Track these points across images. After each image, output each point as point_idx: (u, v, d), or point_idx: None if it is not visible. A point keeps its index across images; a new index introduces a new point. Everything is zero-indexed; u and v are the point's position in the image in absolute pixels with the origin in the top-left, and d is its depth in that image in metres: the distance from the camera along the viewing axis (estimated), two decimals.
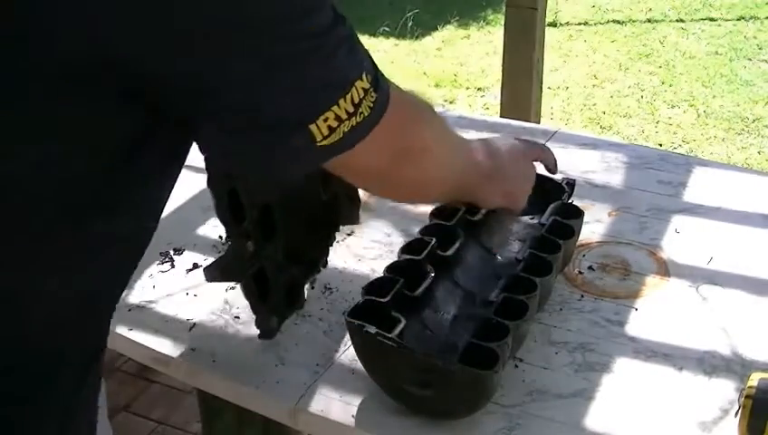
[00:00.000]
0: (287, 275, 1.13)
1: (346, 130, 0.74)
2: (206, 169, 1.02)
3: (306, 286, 1.20)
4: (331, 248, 1.26)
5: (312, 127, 0.72)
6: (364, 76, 0.75)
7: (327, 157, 0.77)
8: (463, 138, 1.07)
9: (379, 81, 0.78)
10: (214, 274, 1.10)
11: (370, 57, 0.79)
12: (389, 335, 0.99)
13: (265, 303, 1.10)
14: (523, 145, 1.18)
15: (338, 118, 0.73)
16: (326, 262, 1.26)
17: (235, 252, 1.08)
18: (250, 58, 0.68)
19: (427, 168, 0.94)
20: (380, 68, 0.80)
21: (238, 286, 1.13)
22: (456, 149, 1.04)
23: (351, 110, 0.74)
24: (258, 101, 0.70)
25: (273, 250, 1.10)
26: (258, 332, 1.12)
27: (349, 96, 0.74)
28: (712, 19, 4.83)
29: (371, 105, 0.76)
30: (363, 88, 0.75)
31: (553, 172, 1.24)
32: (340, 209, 1.24)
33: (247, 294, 1.10)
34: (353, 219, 1.26)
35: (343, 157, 0.77)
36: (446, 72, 4.36)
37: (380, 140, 0.79)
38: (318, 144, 0.73)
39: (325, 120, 0.73)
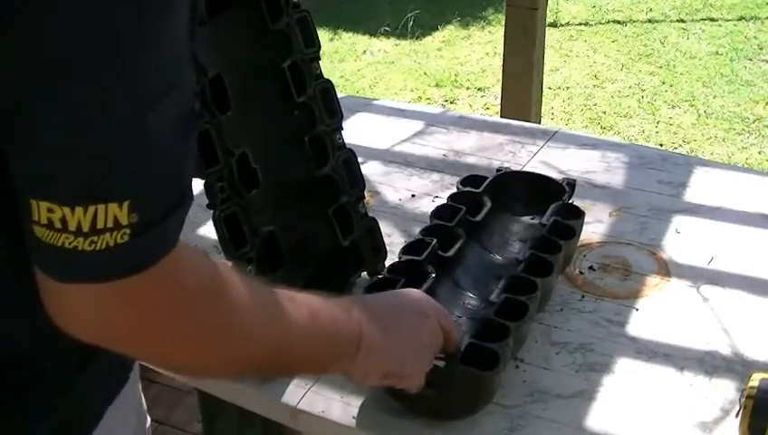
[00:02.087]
0: None
1: (67, 245, 0.59)
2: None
3: None
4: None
5: (33, 202, 0.59)
6: (126, 206, 0.59)
7: (37, 256, 0.62)
8: (306, 307, 0.80)
9: (147, 236, 0.61)
10: None
11: (175, 206, 0.63)
12: None
13: None
14: (421, 308, 0.94)
15: (63, 221, 0.58)
16: None
17: None
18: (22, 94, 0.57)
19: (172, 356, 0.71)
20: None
21: None
22: (265, 329, 0.76)
23: (86, 229, 0.58)
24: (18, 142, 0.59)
25: (277, 278, 1.09)
26: None
27: (91, 210, 0.58)
28: (712, 19, 4.82)
29: (113, 246, 0.59)
30: (115, 216, 0.59)
31: (452, 355, 0.99)
32: (361, 257, 1.23)
33: None
34: (377, 269, 1.22)
35: (57, 287, 0.62)
36: (446, 72, 4.36)
37: (105, 297, 0.62)
38: (35, 227, 0.59)
39: (49, 209, 0.58)
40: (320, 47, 1.19)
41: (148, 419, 0.94)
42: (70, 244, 0.59)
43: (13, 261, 0.66)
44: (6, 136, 0.60)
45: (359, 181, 1.22)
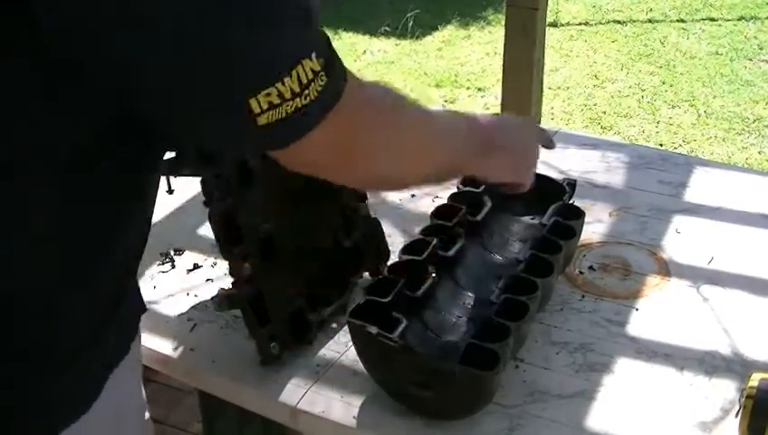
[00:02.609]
0: (292, 306, 1.12)
1: (289, 110, 0.69)
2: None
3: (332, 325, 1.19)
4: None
5: (252, 101, 0.67)
6: (314, 57, 0.69)
7: (267, 141, 0.72)
8: (453, 116, 1.01)
9: (334, 67, 0.73)
10: (222, 302, 1.10)
11: (329, 41, 0.73)
12: (391, 336, 0.99)
13: (263, 328, 1.08)
14: (529, 124, 1.17)
15: (281, 95, 0.68)
16: (345, 308, 1.19)
17: (231, 272, 1.08)
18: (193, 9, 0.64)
19: (386, 166, 0.85)
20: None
21: None
22: (439, 135, 0.94)
23: (297, 89, 0.69)
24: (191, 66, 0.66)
25: (276, 276, 1.10)
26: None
27: (295, 73, 0.68)
28: (713, 19, 4.82)
29: (319, 89, 0.70)
30: (312, 69, 0.69)
31: (550, 148, 1.19)
32: (363, 258, 1.23)
33: (244, 318, 1.09)
34: (379, 270, 1.22)
35: (288, 149, 0.73)
36: (446, 72, 4.36)
37: (329, 133, 0.73)
38: (257, 121, 0.68)
39: (267, 94, 0.68)
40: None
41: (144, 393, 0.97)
42: (291, 108, 0.69)
43: (36, 230, 0.71)
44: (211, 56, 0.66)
45: None
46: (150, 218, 0.86)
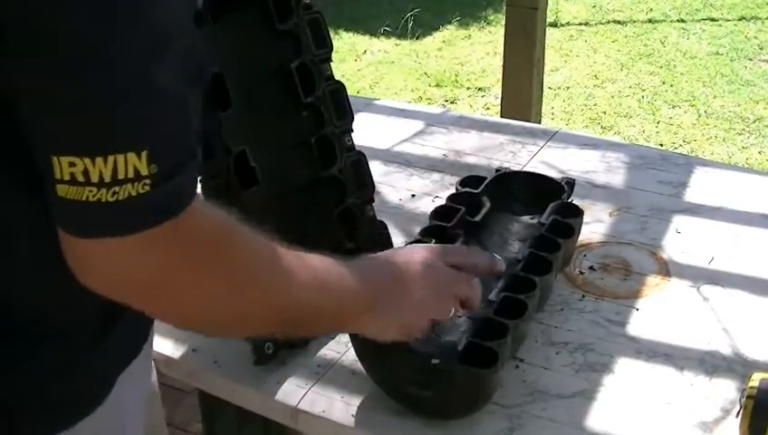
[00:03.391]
0: None
1: (92, 199, 0.60)
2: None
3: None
4: None
5: (55, 160, 0.60)
6: (144, 156, 0.60)
7: (61, 215, 0.63)
8: (315, 264, 0.82)
9: (169, 186, 0.62)
10: None
11: (189, 158, 0.64)
12: None
13: None
14: (434, 255, 0.94)
15: (85, 173, 0.60)
16: None
17: None
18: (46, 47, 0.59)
19: (203, 314, 0.73)
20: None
21: None
22: (285, 289, 0.78)
23: (108, 179, 0.60)
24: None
25: None
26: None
27: (112, 160, 0.59)
28: (713, 19, 4.82)
29: (134, 195, 0.61)
30: (136, 169, 0.60)
31: (494, 273, 1.03)
32: None
33: None
34: None
35: (83, 244, 0.63)
36: (446, 72, 4.36)
37: (137, 254, 0.64)
38: (57, 190, 0.61)
39: (71, 164, 0.59)
40: (332, 48, 1.19)
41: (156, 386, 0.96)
42: (93, 196, 0.60)
43: (33, 230, 0.68)
44: (24, 97, 0.61)
45: (367, 184, 1.22)
46: None
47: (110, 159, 0.59)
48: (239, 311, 0.75)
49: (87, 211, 0.61)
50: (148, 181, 0.61)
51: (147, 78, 0.61)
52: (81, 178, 0.60)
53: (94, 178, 0.60)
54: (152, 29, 0.61)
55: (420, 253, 0.94)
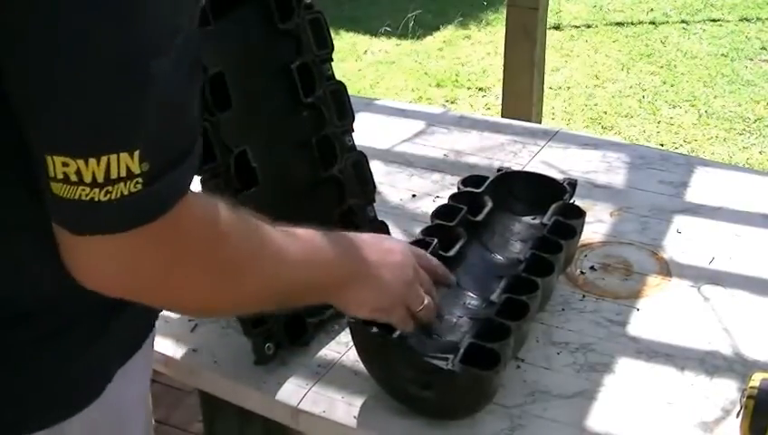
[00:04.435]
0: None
1: (85, 198, 0.61)
2: None
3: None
4: None
5: (48, 158, 0.60)
6: (136, 155, 0.61)
7: (56, 212, 0.64)
8: (302, 241, 0.84)
9: (161, 184, 0.63)
10: None
11: (183, 155, 0.65)
12: (391, 336, 0.99)
13: (257, 328, 1.08)
14: (410, 253, 1.00)
15: (78, 174, 0.60)
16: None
17: None
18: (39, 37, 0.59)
19: (197, 302, 0.76)
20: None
21: None
22: (272, 268, 0.81)
23: (101, 180, 0.60)
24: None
25: None
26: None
27: (105, 160, 0.60)
28: (714, 20, 4.82)
29: (126, 194, 0.61)
30: (127, 166, 0.61)
31: (446, 284, 1.08)
32: None
33: (239, 317, 1.09)
34: None
35: (77, 241, 0.64)
36: (447, 72, 4.36)
37: (129, 251, 0.65)
38: (51, 187, 0.61)
39: (64, 163, 0.60)
40: (333, 48, 1.19)
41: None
42: (87, 196, 0.61)
43: (36, 222, 0.68)
44: (21, 97, 0.61)
45: (368, 184, 1.22)
46: None
47: (103, 159, 0.60)
48: (235, 298, 0.78)
49: (80, 209, 0.62)
50: (140, 180, 0.62)
51: (141, 78, 0.61)
52: (74, 178, 0.60)
53: (87, 179, 0.60)
54: (149, 28, 0.61)
55: (399, 247, 1.00)
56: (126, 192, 0.62)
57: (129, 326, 0.84)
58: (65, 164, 0.60)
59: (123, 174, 0.61)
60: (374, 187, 1.23)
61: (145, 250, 0.66)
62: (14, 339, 0.75)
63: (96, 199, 0.61)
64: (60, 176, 0.61)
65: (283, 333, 1.11)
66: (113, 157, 0.60)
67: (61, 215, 0.64)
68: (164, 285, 0.70)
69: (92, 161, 0.60)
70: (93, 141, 0.60)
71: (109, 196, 0.61)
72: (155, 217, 0.64)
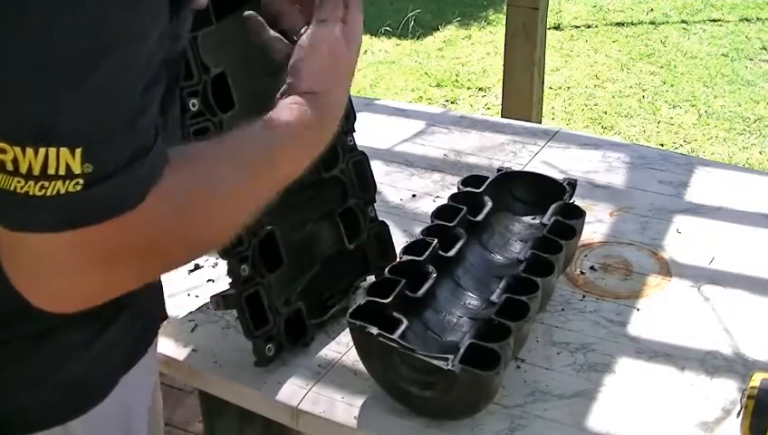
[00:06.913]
0: (290, 309, 1.12)
1: (19, 190, 0.58)
2: None
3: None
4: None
5: None
6: (77, 153, 0.58)
7: None
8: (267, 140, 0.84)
9: (103, 188, 0.60)
10: (219, 302, 1.10)
11: (135, 160, 0.61)
12: (391, 336, 0.99)
13: (258, 330, 1.08)
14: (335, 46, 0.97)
15: (15, 162, 0.57)
16: (347, 310, 1.15)
17: (229, 273, 1.07)
18: None
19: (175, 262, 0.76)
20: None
21: None
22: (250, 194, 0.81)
23: (37, 172, 0.57)
24: None
25: (274, 278, 1.09)
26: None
27: (43, 152, 0.57)
28: (714, 20, 4.82)
29: (62, 193, 0.58)
30: (67, 163, 0.58)
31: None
32: (368, 261, 1.23)
33: (239, 318, 1.09)
34: (383, 273, 1.22)
35: (11, 237, 0.61)
36: (447, 72, 4.36)
37: (72, 251, 0.61)
38: None
39: (2, 150, 0.57)
40: None
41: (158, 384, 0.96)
42: (21, 188, 0.58)
43: None
44: None
45: (369, 184, 1.22)
46: None
47: (41, 151, 0.57)
48: (188, 259, 0.79)
49: (13, 202, 0.59)
50: (80, 181, 0.59)
51: (89, 76, 0.59)
52: (9, 167, 0.58)
53: (23, 169, 0.58)
54: (103, 29, 0.59)
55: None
56: (63, 190, 0.58)
57: (129, 329, 0.84)
58: (2, 151, 0.57)
59: (62, 171, 0.58)
60: (375, 188, 1.23)
61: (79, 254, 0.62)
62: (12, 335, 0.75)
63: (30, 193, 0.58)
64: None
65: (284, 334, 1.11)
66: (52, 150, 0.57)
67: None
68: (101, 287, 0.66)
69: (30, 151, 0.57)
70: (33, 130, 0.58)
71: (44, 191, 0.58)
72: (92, 222, 0.60)
